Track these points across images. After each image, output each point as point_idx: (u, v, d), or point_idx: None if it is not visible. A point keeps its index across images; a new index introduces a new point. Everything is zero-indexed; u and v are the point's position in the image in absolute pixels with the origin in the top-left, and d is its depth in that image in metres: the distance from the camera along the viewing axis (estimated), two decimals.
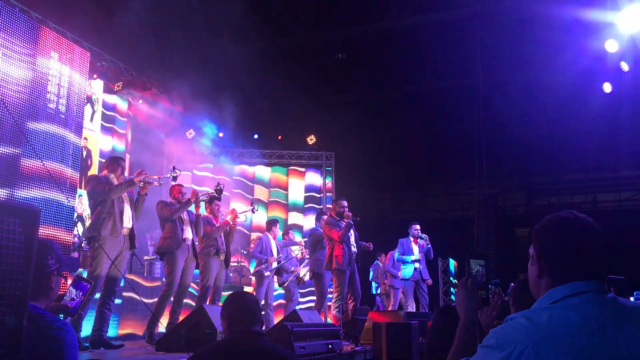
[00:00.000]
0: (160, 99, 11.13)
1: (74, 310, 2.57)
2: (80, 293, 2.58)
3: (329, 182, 13.87)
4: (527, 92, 13.36)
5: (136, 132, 11.34)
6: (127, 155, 11.04)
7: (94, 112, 10.15)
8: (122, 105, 11.00)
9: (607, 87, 11.08)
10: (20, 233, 1.65)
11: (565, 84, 11.90)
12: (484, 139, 14.14)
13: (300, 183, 13.64)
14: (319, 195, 13.66)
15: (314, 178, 13.75)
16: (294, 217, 13.18)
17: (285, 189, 13.53)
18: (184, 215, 6.50)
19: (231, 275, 10.82)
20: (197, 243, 6.72)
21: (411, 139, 16.43)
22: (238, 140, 12.96)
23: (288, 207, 13.38)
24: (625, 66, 9.86)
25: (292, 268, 9.17)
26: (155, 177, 6.26)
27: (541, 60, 12.11)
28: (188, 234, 6.47)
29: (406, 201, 18.99)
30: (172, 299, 6.40)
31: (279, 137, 14.74)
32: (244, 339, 2.58)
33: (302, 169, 13.74)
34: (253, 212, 8.22)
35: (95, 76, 9.78)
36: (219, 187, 6.99)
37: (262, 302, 8.60)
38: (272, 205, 13.25)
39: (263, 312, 8.67)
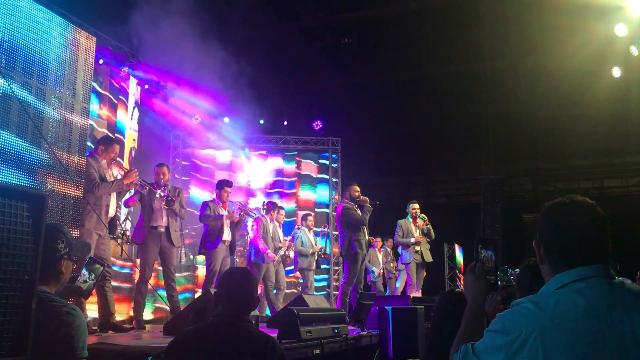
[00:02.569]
0: (166, 83, 11.14)
1: (87, 292, 2.58)
2: (93, 275, 2.59)
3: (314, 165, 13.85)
4: (535, 77, 13.25)
5: (142, 117, 11.37)
6: (134, 140, 11.07)
7: (100, 97, 10.14)
8: (130, 88, 11.01)
9: (616, 72, 10.99)
10: (29, 217, 1.66)
11: (574, 69, 11.80)
12: (491, 124, 14.08)
13: (264, 167, 13.51)
14: (276, 179, 13.46)
15: (276, 163, 13.61)
16: (254, 202, 12.96)
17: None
18: (156, 204, 6.46)
19: (237, 260, 10.88)
20: (175, 229, 6.68)
21: (418, 124, 16.38)
22: (244, 126, 12.96)
23: (249, 191, 13.23)
24: (634, 50, 9.77)
25: (311, 250, 9.36)
26: (145, 185, 6.27)
27: (549, 45, 12.00)
28: (161, 221, 6.45)
29: (412, 186, 18.97)
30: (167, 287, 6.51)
31: (285, 123, 14.70)
32: (221, 323, 2.56)
33: (264, 153, 13.58)
34: (264, 209, 8.32)
35: (100, 61, 9.78)
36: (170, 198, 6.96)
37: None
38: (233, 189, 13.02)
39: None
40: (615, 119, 14.06)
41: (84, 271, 2.58)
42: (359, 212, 7.58)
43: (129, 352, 3.42)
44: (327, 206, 13.54)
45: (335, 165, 13.93)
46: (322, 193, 13.68)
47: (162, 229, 6.46)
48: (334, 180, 13.80)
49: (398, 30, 12.57)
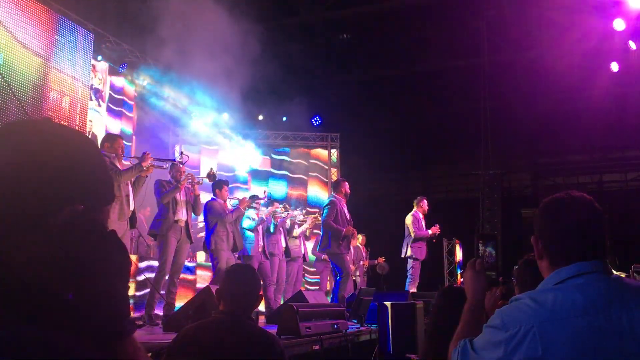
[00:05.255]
0: (165, 80, 11.12)
1: None
2: None
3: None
4: (533, 72, 13.24)
5: (142, 114, 11.35)
6: (134, 137, 11.06)
7: (99, 94, 10.13)
8: (128, 87, 10.98)
9: (615, 67, 10.99)
10: None
11: (572, 64, 11.80)
12: (490, 119, 14.07)
13: (213, 162, 13.29)
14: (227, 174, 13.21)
15: (226, 157, 13.48)
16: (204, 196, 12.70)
17: (197, 167, 13.04)
18: (179, 196, 6.50)
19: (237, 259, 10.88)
20: (191, 225, 6.74)
21: (416, 119, 16.37)
22: (242, 122, 12.95)
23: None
24: (633, 45, 9.77)
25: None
26: (162, 161, 6.36)
27: (548, 40, 11.99)
28: (182, 215, 6.47)
29: (411, 181, 18.96)
30: (166, 279, 6.49)
31: (284, 118, 14.71)
32: (222, 321, 2.58)
33: (215, 147, 13.35)
34: (267, 199, 8.33)
35: (99, 58, 9.76)
36: (211, 172, 7.10)
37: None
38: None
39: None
40: (613, 114, 14.06)
41: None
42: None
43: None
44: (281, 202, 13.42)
45: (335, 160, 13.95)
46: (274, 188, 13.54)
47: (183, 224, 6.48)
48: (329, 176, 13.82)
49: (396, 25, 12.56)
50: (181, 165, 6.59)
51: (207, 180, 7.16)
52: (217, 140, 12.89)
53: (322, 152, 14.25)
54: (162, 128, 12.01)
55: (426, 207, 9.08)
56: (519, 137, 16.04)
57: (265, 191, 8.92)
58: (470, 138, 15.14)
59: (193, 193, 6.68)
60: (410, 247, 8.95)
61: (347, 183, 7.84)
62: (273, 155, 13.83)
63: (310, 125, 14.54)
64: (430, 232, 8.86)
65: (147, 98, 11.22)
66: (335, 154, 14.23)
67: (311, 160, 14.08)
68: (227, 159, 13.30)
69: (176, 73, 10.74)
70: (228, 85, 10.26)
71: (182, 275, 7.74)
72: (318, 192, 13.73)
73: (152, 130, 11.52)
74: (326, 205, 7.64)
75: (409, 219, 9.00)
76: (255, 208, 8.27)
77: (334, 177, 13.63)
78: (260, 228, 8.14)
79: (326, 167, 14.12)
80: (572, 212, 1.60)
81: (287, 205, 9.67)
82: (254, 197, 8.50)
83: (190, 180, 6.56)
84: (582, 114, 13.93)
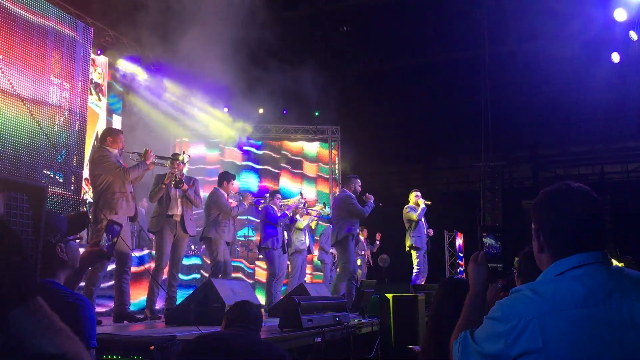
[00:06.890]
0: (164, 74, 11.11)
1: (108, 254, 2.62)
2: (111, 235, 2.63)
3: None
4: (534, 63, 13.22)
5: (141, 107, 11.34)
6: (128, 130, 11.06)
7: (99, 88, 10.12)
8: (126, 81, 10.97)
9: (616, 57, 10.95)
10: (29, 209, 1.66)
11: (573, 55, 11.76)
12: (490, 111, 14.05)
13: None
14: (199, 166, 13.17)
15: (199, 150, 13.42)
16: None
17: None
18: (172, 192, 6.48)
19: (238, 249, 10.90)
20: (190, 218, 6.69)
21: (417, 111, 16.35)
22: (242, 116, 12.93)
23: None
24: (634, 35, 9.73)
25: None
26: (163, 159, 6.37)
27: (548, 31, 11.95)
28: (176, 210, 6.47)
29: (412, 174, 18.96)
30: (165, 274, 6.52)
31: (284, 112, 14.68)
32: (233, 333, 2.76)
33: (186, 140, 13.30)
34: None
35: (99, 52, 9.74)
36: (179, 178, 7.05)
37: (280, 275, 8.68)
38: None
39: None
40: (614, 105, 14.03)
41: (105, 235, 2.65)
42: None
43: (130, 343, 3.42)
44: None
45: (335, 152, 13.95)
46: (246, 181, 13.51)
47: (178, 218, 6.48)
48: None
49: (396, 17, 12.52)
50: (182, 164, 6.55)
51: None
52: (218, 133, 12.89)
53: (293, 145, 14.25)
54: (158, 122, 12.00)
55: (415, 198, 9.18)
56: (520, 128, 16.04)
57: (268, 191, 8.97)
58: (470, 130, 15.13)
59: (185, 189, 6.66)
60: (410, 237, 9.07)
61: (359, 180, 7.87)
62: (244, 148, 13.83)
63: (310, 118, 14.53)
64: (420, 207, 9.00)
65: (145, 90, 11.21)
66: (336, 147, 14.22)
67: (282, 152, 14.08)
68: (199, 150, 13.23)
69: (175, 66, 10.72)
70: (228, 79, 10.24)
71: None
72: (289, 185, 13.76)
73: (151, 124, 11.50)
74: (345, 200, 7.67)
75: (405, 210, 9.16)
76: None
77: (329, 171, 13.65)
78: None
79: (298, 159, 14.12)
80: (570, 203, 1.60)
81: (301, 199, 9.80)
82: (273, 194, 8.74)
83: (172, 181, 6.49)
84: (582, 105, 13.91)
